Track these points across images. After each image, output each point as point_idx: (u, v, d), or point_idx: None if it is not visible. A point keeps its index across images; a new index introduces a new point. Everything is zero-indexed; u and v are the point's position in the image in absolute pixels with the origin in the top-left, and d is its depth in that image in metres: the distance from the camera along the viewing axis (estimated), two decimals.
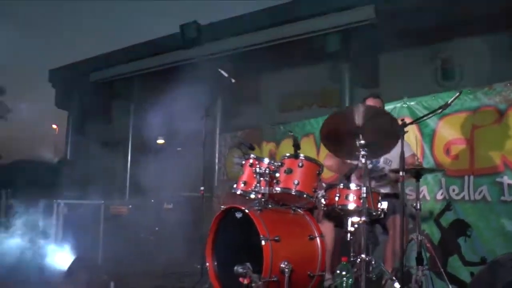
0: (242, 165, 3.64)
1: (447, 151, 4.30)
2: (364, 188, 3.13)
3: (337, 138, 3.32)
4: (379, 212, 3.43)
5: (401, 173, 3.15)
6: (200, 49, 8.61)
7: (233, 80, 4.36)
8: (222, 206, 3.38)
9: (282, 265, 2.97)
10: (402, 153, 3.15)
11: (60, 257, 5.47)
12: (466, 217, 4.08)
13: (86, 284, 4.43)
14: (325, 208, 3.51)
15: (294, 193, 3.32)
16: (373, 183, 3.81)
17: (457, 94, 3.23)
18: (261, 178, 3.33)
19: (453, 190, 4.19)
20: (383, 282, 3.53)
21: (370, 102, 4.14)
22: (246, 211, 3.13)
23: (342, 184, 3.42)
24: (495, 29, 6.34)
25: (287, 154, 3.48)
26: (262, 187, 3.33)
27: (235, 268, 2.96)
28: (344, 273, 2.69)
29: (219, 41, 8.40)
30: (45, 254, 5.39)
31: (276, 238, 3.02)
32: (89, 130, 11.88)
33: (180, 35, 8.80)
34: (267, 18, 7.95)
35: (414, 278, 3.32)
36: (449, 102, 3.23)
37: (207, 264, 3.40)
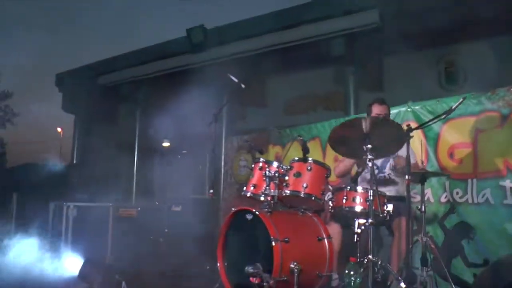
0: (251, 169, 3.75)
1: (451, 155, 4.38)
2: (371, 191, 3.23)
3: (344, 143, 3.42)
4: (384, 214, 3.52)
5: (406, 177, 3.25)
6: (206, 53, 8.73)
7: (243, 86, 4.45)
8: (233, 208, 3.48)
9: (292, 266, 3.07)
10: (408, 157, 3.25)
11: (70, 262, 5.59)
12: (470, 219, 4.15)
13: (98, 284, 4.52)
14: (332, 210, 3.61)
15: (303, 196, 3.43)
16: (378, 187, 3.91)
17: (461, 100, 3.32)
18: (271, 181, 3.44)
19: (457, 193, 4.27)
20: (389, 282, 3.63)
21: (376, 107, 4.23)
22: (257, 213, 3.24)
23: (349, 187, 3.52)
24: (499, 33, 6.42)
25: (296, 158, 3.59)
26: (272, 190, 3.44)
27: (246, 268, 3.05)
28: (352, 272, 2.78)
29: (225, 45, 8.51)
30: (56, 260, 5.49)
31: (286, 239, 3.13)
32: (96, 133, 12.00)
33: (186, 39, 8.91)
34: (272, 22, 8.04)
35: (419, 278, 3.41)
36: (453, 107, 3.32)
37: (218, 264, 3.51)
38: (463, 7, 6.30)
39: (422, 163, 3.85)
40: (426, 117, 4.48)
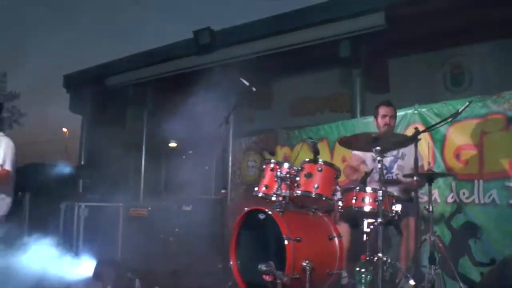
0: (262, 170, 3.85)
1: (457, 156, 4.45)
2: (380, 192, 3.33)
3: (352, 146, 3.53)
4: (393, 214, 3.61)
5: (415, 178, 3.35)
6: (213, 55, 8.82)
7: (254, 89, 4.55)
8: (245, 208, 3.58)
9: (304, 264, 3.16)
10: (416, 159, 3.35)
11: (83, 262, 5.71)
12: (476, 219, 4.23)
13: (112, 282, 4.63)
14: (342, 210, 3.70)
15: (314, 196, 3.53)
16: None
17: (467, 103, 3.42)
18: (282, 182, 3.54)
19: (463, 194, 4.35)
20: (397, 280, 3.72)
21: (382, 109, 4.33)
22: (269, 212, 3.34)
23: (358, 187, 3.61)
24: (505, 35, 6.48)
25: (307, 159, 3.69)
26: (283, 190, 3.54)
27: (259, 266, 3.15)
28: (363, 270, 2.88)
29: (231, 47, 8.60)
30: (69, 260, 5.61)
31: (298, 238, 3.22)
32: (103, 134, 12.12)
33: (193, 41, 9.01)
34: (279, 24, 8.13)
35: (427, 276, 3.49)
36: (459, 110, 3.42)
37: (231, 262, 3.61)
38: (468, 9, 6.37)
39: (429, 164, 3.94)
40: (433, 119, 4.56)
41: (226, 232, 4.68)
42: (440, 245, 3.68)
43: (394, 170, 4.23)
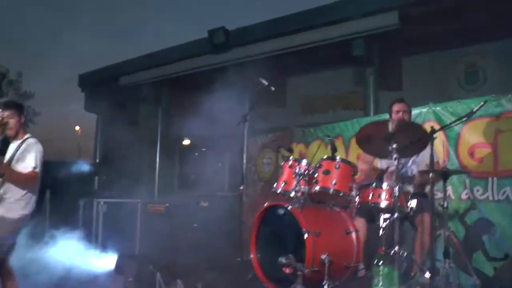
0: (281, 167, 3.98)
1: (472, 154, 4.51)
2: (397, 188, 3.43)
3: (370, 142, 3.62)
4: (408, 210, 3.71)
5: (430, 175, 3.44)
6: (227, 54, 8.94)
7: (272, 88, 4.66)
8: (265, 204, 3.71)
9: (323, 257, 3.28)
10: (432, 156, 3.43)
11: (103, 256, 5.90)
12: (490, 216, 4.29)
13: (134, 275, 4.78)
14: (358, 206, 3.81)
15: (332, 192, 3.65)
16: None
17: (482, 103, 3.49)
18: (301, 178, 3.66)
19: (477, 191, 4.42)
20: (412, 274, 3.81)
21: (396, 105, 4.42)
22: (289, 207, 3.46)
23: (375, 184, 3.71)
24: None
25: (325, 157, 3.81)
26: (302, 187, 3.67)
27: (279, 259, 3.27)
28: (380, 263, 2.98)
29: (246, 46, 8.72)
30: (91, 254, 5.80)
31: (317, 232, 3.34)
32: (117, 132, 12.30)
33: (208, 40, 9.13)
34: (293, 23, 8.23)
35: (442, 270, 3.58)
36: (474, 110, 3.50)
37: (251, 256, 3.74)
38: (482, 8, 6.41)
39: (444, 161, 4.03)
40: (447, 117, 4.63)
41: (244, 228, 4.80)
42: (455, 240, 3.76)
43: (409, 164, 4.30)
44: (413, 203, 3.72)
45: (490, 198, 4.31)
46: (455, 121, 3.70)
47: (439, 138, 4.45)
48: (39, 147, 3.97)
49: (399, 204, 3.45)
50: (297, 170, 3.69)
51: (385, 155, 3.65)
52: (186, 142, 12.11)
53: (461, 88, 7.39)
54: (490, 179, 4.33)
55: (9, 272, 3.99)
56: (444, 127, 3.93)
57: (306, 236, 3.29)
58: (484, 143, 4.42)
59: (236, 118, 7.83)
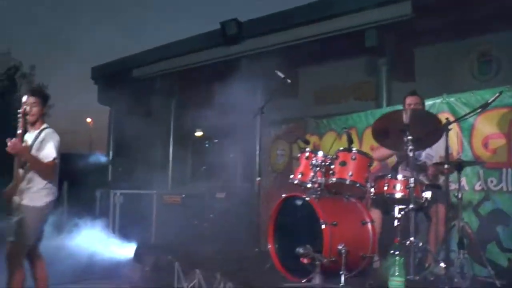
0: (297, 158, 4.05)
1: (486, 145, 4.52)
2: (412, 179, 3.48)
3: (386, 133, 3.67)
4: (423, 201, 3.76)
5: (445, 166, 3.49)
6: (240, 45, 8.98)
7: (288, 81, 4.72)
8: (282, 195, 3.79)
9: (339, 247, 3.35)
10: (447, 148, 3.47)
11: (121, 245, 6.04)
12: (505, 207, 4.31)
13: (152, 265, 4.89)
14: (374, 197, 3.87)
15: (348, 183, 3.72)
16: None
17: (497, 94, 3.52)
18: (317, 170, 3.73)
19: (491, 182, 4.43)
20: (427, 264, 3.88)
21: (408, 98, 4.45)
22: (307, 198, 3.54)
23: (390, 175, 3.77)
24: None
25: (341, 148, 3.87)
26: (319, 178, 3.74)
27: (297, 249, 3.33)
28: (396, 253, 3.04)
29: (258, 38, 8.75)
30: (110, 243, 5.94)
31: (334, 222, 3.41)
32: (131, 124, 12.42)
33: (220, 32, 9.18)
34: (305, 14, 8.23)
35: (456, 261, 3.63)
36: (489, 101, 3.53)
37: (269, 246, 3.83)
38: None
39: (458, 153, 4.06)
40: (461, 109, 4.64)
41: (260, 219, 4.89)
42: (469, 231, 3.80)
43: (422, 158, 4.35)
44: (427, 194, 3.77)
45: (504, 189, 4.33)
46: (470, 113, 3.74)
47: (453, 129, 4.47)
48: (57, 137, 4.07)
49: (414, 195, 3.50)
50: (313, 162, 3.77)
51: (400, 147, 3.70)
52: (199, 133, 12.21)
53: (474, 79, 7.37)
54: (504, 170, 4.35)
55: (39, 259, 4.14)
56: (459, 119, 3.96)
57: (323, 226, 3.36)
58: (499, 134, 4.43)
59: (249, 109, 7.89)
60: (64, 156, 4.25)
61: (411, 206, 3.46)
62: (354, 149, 3.84)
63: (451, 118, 3.88)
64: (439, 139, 3.73)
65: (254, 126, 7.43)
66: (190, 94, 10.77)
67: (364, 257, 3.59)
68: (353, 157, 3.76)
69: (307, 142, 4.34)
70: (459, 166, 3.80)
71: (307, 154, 3.99)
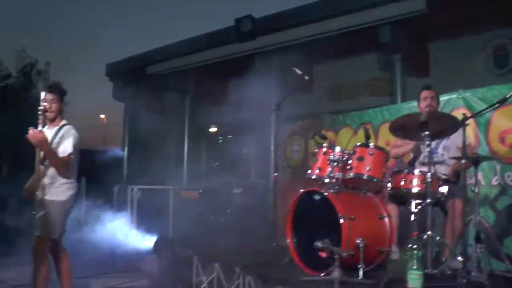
0: (315, 153, 4.12)
1: (502, 140, 4.54)
2: (429, 173, 3.52)
3: (403, 130, 3.72)
4: (439, 195, 3.80)
5: (463, 161, 3.51)
6: (254, 42, 9.02)
7: (306, 78, 4.77)
8: (301, 190, 3.86)
9: (357, 241, 3.40)
10: (464, 143, 3.50)
11: (142, 241, 6.17)
12: None
13: (166, 258, 4.99)
14: (391, 192, 3.92)
15: (365, 178, 3.77)
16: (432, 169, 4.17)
17: None
18: (335, 165, 3.79)
19: (508, 177, 4.46)
20: (444, 258, 3.91)
21: (423, 92, 4.47)
22: (325, 193, 3.60)
23: (407, 170, 3.81)
24: None
25: (358, 143, 3.93)
26: (336, 173, 3.80)
27: (315, 243, 3.39)
28: (415, 246, 3.09)
29: (273, 34, 8.79)
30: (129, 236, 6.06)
31: (352, 217, 3.47)
32: (145, 120, 12.54)
33: (234, 29, 9.22)
34: (319, 11, 8.25)
35: (473, 255, 3.66)
36: (507, 96, 3.53)
37: (288, 240, 3.89)
38: None
39: (475, 147, 4.08)
40: (477, 104, 4.66)
41: (277, 214, 4.95)
42: (486, 225, 3.82)
43: (440, 150, 4.37)
44: (444, 188, 3.80)
45: None
46: (487, 108, 3.75)
47: (470, 124, 4.49)
48: (75, 134, 4.16)
49: (431, 189, 3.54)
50: (331, 157, 3.82)
51: (417, 139, 3.74)
52: (213, 129, 12.31)
53: (490, 73, 7.34)
54: None
55: (63, 253, 4.25)
56: (477, 114, 3.97)
57: (342, 221, 3.42)
58: None
59: (263, 105, 7.97)
60: (82, 152, 4.34)
61: (428, 200, 3.49)
62: (371, 144, 3.88)
63: (468, 114, 3.89)
64: (454, 132, 3.76)
65: (269, 122, 7.51)
66: (205, 90, 10.85)
67: (381, 251, 3.64)
68: (371, 152, 3.81)
69: (324, 138, 4.39)
70: (475, 161, 3.82)
71: (324, 149, 4.05)
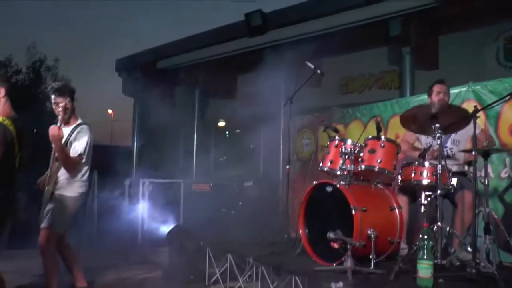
0: (327, 146, 4.18)
1: None
2: (439, 166, 3.57)
3: (415, 122, 3.76)
4: (449, 187, 3.84)
5: (473, 153, 3.55)
6: (264, 36, 9.07)
7: (318, 71, 4.82)
8: (314, 182, 3.93)
9: (369, 232, 3.47)
10: (475, 135, 3.53)
11: (155, 233, 6.29)
12: None
13: (184, 249, 5.07)
14: (401, 184, 3.97)
15: (377, 170, 3.83)
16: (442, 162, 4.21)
17: None
18: (347, 157, 3.85)
19: None
20: (453, 250, 3.96)
21: (436, 86, 4.49)
22: (337, 185, 3.67)
23: (417, 162, 3.86)
24: None
25: (370, 136, 3.98)
26: (348, 165, 3.86)
27: (328, 234, 3.46)
28: (426, 237, 3.14)
29: (282, 29, 8.83)
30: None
31: (364, 208, 3.53)
32: (155, 115, 12.61)
33: (244, 23, 9.27)
34: (329, 5, 8.28)
35: (482, 246, 3.71)
36: None
37: (300, 231, 3.97)
38: None
39: (485, 141, 4.10)
40: (487, 96, 4.67)
41: (288, 206, 5.02)
42: (495, 216, 3.86)
43: (449, 144, 4.40)
44: (453, 180, 3.84)
45: None
46: (498, 101, 3.77)
47: (480, 117, 4.52)
48: (90, 134, 4.18)
49: (442, 181, 3.58)
50: (343, 150, 3.88)
51: (428, 133, 3.78)
52: (222, 123, 12.39)
53: (500, 65, 7.35)
54: None
55: (67, 249, 4.32)
56: (487, 107, 3.99)
57: (354, 212, 3.48)
58: None
59: (273, 99, 8.01)
60: (95, 147, 4.39)
61: (438, 192, 3.53)
62: (383, 137, 3.95)
63: (479, 106, 3.92)
64: (465, 126, 3.79)
65: (278, 116, 7.57)
66: (214, 84, 10.93)
67: (391, 242, 3.70)
68: (382, 144, 3.87)
69: (336, 131, 4.45)
70: (485, 153, 3.85)
71: (336, 142, 4.11)
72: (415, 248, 3.35)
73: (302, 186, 5.51)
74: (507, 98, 3.67)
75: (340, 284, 3.05)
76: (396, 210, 3.83)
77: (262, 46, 9.04)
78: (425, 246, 3.12)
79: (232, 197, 6.38)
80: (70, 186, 4.13)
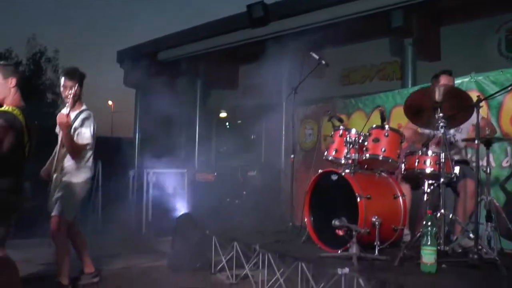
0: (332, 135, 4.25)
1: None
2: (443, 154, 3.63)
3: (418, 110, 3.81)
4: (452, 176, 3.90)
5: (476, 141, 3.61)
6: (266, 28, 9.07)
7: (323, 62, 4.87)
8: (320, 170, 3.99)
9: (373, 219, 3.54)
10: (478, 124, 3.59)
11: (160, 222, 6.37)
12: None
13: (190, 238, 5.15)
14: (404, 172, 4.03)
15: (381, 159, 3.90)
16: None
17: None
18: (351, 147, 3.92)
19: None
20: (455, 237, 4.04)
21: (444, 78, 4.50)
22: (342, 174, 3.74)
23: (420, 151, 3.92)
24: None
25: (374, 125, 4.05)
26: (352, 154, 3.93)
27: (333, 221, 3.53)
28: (429, 223, 3.21)
29: (284, 20, 8.84)
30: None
31: (368, 196, 3.61)
32: (156, 106, 12.63)
33: (246, 15, 9.27)
34: None
35: (484, 234, 3.78)
36: None
37: (305, 219, 4.04)
38: None
39: (487, 130, 4.15)
40: (489, 87, 4.73)
41: (292, 195, 5.08)
42: (497, 204, 3.93)
43: (452, 131, 4.43)
44: (456, 169, 3.90)
45: None
46: (500, 91, 3.82)
47: (482, 107, 4.56)
48: (94, 123, 4.23)
49: (445, 170, 3.64)
50: (347, 139, 3.95)
51: (432, 124, 3.82)
52: (224, 114, 12.43)
53: (502, 56, 7.37)
54: None
55: (78, 235, 4.40)
56: (489, 96, 4.04)
57: (358, 199, 3.56)
58: None
59: (275, 90, 8.05)
60: (98, 137, 4.43)
61: (441, 180, 3.60)
62: (386, 126, 4.01)
63: (481, 97, 3.97)
64: (470, 116, 3.84)
65: (281, 106, 7.62)
66: (216, 75, 10.95)
67: (395, 229, 3.79)
68: (386, 133, 3.94)
69: (341, 120, 4.51)
70: (487, 142, 3.91)
71: (341, 131, 4.18)
72: (418, 234, 3.42)
73: (305, 176, 5.58)
74: (509, 88, 3.73)
75: (346, 269, 3.13)
76: (400, 198, 3.91)
77: (264, 37, 9.04)
78: (429, 233, 3.19)
79: (236, 187, 6.45)
80: (76, 172, 4.18)
